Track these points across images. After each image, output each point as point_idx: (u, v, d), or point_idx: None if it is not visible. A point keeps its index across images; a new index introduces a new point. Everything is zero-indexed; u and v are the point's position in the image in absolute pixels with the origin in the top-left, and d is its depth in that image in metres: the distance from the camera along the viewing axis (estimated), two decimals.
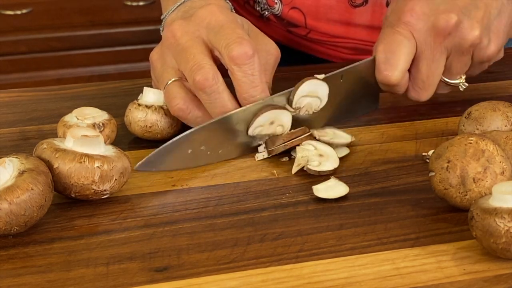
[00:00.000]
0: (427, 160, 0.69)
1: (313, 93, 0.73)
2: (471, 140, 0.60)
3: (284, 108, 0.71)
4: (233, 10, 0.79)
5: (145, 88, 0.74)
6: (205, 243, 0.59)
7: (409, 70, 0.76)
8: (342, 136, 0.73)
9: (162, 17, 0.81)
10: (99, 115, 0.72)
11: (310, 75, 0.73)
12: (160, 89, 0.74)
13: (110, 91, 0.86)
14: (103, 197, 0.64)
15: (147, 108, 0.73)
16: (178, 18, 0.75)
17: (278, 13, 0.96)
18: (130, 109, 0.73)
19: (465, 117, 0.70)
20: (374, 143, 0.74)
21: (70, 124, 0.70)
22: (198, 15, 0.73)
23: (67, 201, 0.64)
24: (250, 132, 0.71)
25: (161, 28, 0.80)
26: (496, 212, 0.54)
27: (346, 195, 0.65)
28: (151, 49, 0.77)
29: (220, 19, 0.72)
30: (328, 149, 0.70)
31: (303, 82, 0.72)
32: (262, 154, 0.71)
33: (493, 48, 0.76)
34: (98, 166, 0.62)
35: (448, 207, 0.62)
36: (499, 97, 0.81)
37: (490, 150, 0.60)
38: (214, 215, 0.63)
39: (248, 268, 0.56)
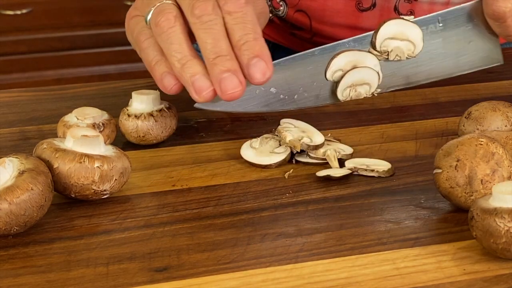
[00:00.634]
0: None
1: (401, 35, 0.66)
2: (482, 141, 0.60)
3: (367, 51, 0.65)
4: None
5: (133, 95, 0.73)
6: (205, 243, 0.59)
7: None
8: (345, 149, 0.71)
9: None
10: (99, 115, 0.71)
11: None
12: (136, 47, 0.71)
13: (110, 91, 0.86)
14: (103, 197, 0.64)
15: (137, 119, 0.71)
16: None
17: (283, 15, 0.96)
18: (121, 120, 0.72)
19: (465, 117, 0.70)
20: (374, 143, 0.74)
21: (70, 124, 0.70)
22: None
23: (67, 201, 0.64)
24: (328, 76, 0.65)
25: None
26: (496, 212, 0.54)
27: (346, 195, 0.65)
28: None
29: None
30: (304, 124, 0.68)
31: (385, 22, 0.65)
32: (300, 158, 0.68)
33: None
34: (98, 166, 0.62)
35: (448, 207, 0.62)
36: (499, 97, 0.81)
37: (499, 154, 0.60)
38: (214, 215, 0.63)
39: (248, 268, 0.56)
